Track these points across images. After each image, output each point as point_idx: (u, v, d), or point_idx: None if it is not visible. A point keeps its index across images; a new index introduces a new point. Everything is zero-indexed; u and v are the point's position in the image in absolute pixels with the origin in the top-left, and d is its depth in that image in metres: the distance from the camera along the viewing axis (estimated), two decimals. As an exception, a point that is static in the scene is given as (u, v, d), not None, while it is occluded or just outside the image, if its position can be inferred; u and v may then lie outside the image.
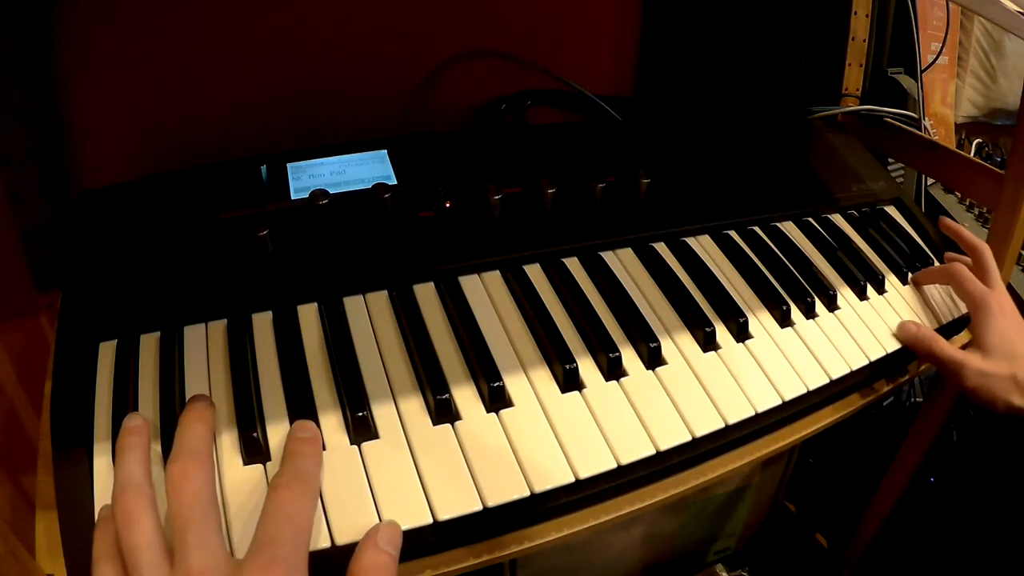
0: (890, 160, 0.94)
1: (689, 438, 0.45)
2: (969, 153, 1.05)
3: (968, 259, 0.63)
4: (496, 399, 0.44)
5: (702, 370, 0.49)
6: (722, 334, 0.53)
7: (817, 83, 0.88)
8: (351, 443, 0.40)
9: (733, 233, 0.63)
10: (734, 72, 0.87)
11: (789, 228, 0.66)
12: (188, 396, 0.42)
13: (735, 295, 0.56)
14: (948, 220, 0.67)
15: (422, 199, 0.55)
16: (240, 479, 0.38)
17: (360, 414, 0.41)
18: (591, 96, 0.77)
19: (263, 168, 0.55)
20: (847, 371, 0.54)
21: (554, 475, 0.41)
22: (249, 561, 0.32)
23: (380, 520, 0.37)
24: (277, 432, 0.40)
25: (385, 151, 0.59)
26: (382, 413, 0.42)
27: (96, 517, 0.36)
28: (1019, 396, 0.54)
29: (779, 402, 0.50)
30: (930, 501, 0.95)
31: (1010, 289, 0.70)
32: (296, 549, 0.33)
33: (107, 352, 0.43)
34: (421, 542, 0.38)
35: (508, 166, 0.60)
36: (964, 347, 0.59)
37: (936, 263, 0.69)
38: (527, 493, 0.40)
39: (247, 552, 0.32)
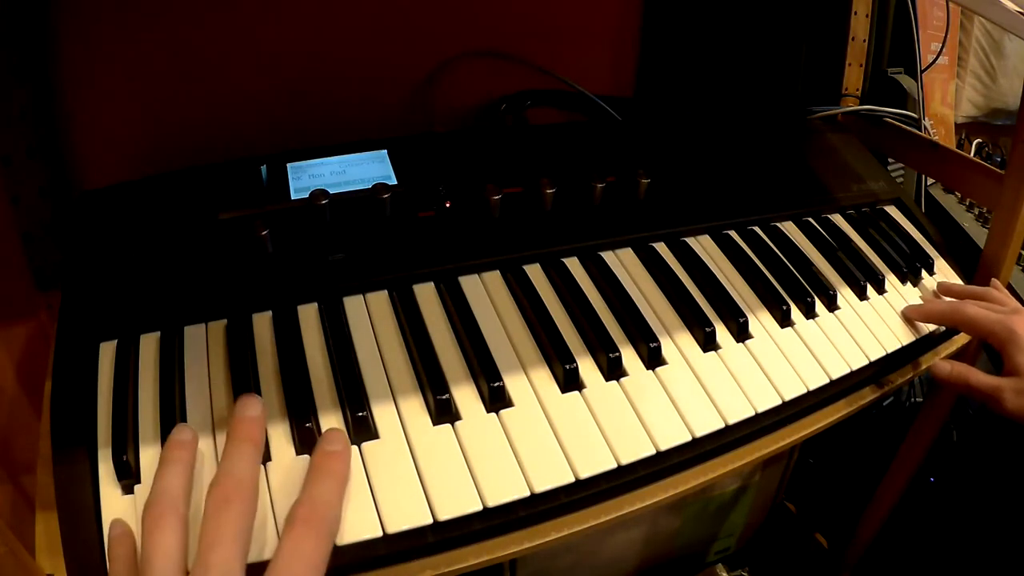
0: (890, 160, 0.94)
1: (689, 438, 0.45)
2: (969, 153, 1.05)
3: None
4: (496, 399, 0.44)
5: (702, 370, 0.49)
6: (722, 334, 0.53)
7: (817, 83, 0.88)
8: (351, 443, 0.40)
9: (733, 233, 0.63)
10: (734, 72, 0.87)
11: (789, 228, 0.66)
12: (188, 397, 0.42)
13: (735, 295, 0.56)
14: (911, 307, 0.61)
15: (422, 199, 0.55)
16: (240, 479, 0.38)
17: (360, 414, 0.41)
18: (591, 96, 0.77)
19: (263, 168, 0.55)
20: (847, 371, 0.54)
21: (554, 475, 0.41)
22: None
23: (379, 519, 0.37)
24: (277, 432, 0.40)
25: (385, 151, 0.59)
26: (382, 413, 0.42)
27: (105, 532, 0.35)
28: None
29: (779, 402, 0.50)
30: (930, 501, 0.95)
31: (1010, 289, 0.70)
32: None
33: (107, 352, 0.43)
34: (421, 542, 0.38)
35: (508, 166, 0.60)
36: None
37: (936, 263, 0.69)
38: (527, 493, 0.40)
39: None
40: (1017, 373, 0.53)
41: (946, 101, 1.16)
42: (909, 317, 0.60)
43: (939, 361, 0.58)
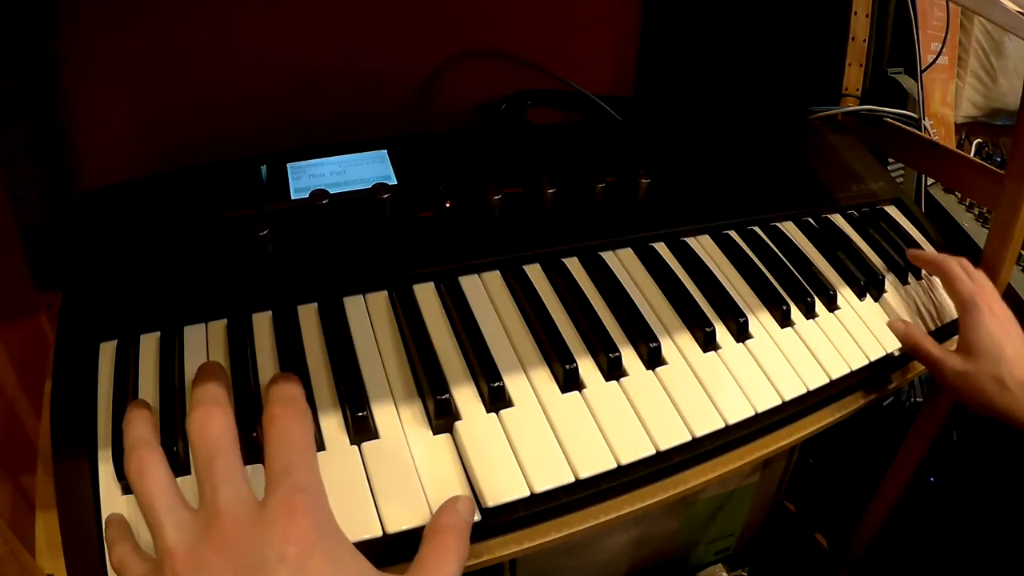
0: (890, 160, 0.93)
1: (689, 438, 0.45)
2: (969, 153, 1.05)
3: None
4: (496, 399, 0.44)
5: (702, 370, 0.49)
6: (722, 334, 0.53)
7: (817, 83, 0.88)
8: (351, 443, 0.40)
9: (733, 233, 0.63)
10: (734, 72, 0.87)
11: (789, 228, 0.66)
12: (188, 396, 0.41)
13: (735, 295, 0.56)
14: (914, 251, 0.65)
15: (422, 199, 0.55)
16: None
17: (360, 414, 0.41)
18: (591, 96, 0.77)
19: (263, 168, 0.56)
20: (847, 371, 0.54)
21: (554, 475, 0.41)
22: (271, 497, 0.32)
23: (380, 520, 0.37)
24: (277, 432, 0.40)
25: (385, 151, 0.59)
26: (382, 413, 0.42)
27: (104, 527, 0.35)
28: (999, 396, 0.52)
29: (779, 402, 0.50)
30: (930, 501, 0.95)
31: (1010, 289, 0.70)
32: (310, 472, 0.33)
33: (107, 352, 0.43)
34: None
35: (508, 166, 0.60)
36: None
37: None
38: (527, 493, 0.40)
39: (266, 489, 0.32)
40: (965, 347, 0.55)
41: (946, 101, 1.16)
42: (914, 258, 0.64)
43: (896, 320, 0.59)
